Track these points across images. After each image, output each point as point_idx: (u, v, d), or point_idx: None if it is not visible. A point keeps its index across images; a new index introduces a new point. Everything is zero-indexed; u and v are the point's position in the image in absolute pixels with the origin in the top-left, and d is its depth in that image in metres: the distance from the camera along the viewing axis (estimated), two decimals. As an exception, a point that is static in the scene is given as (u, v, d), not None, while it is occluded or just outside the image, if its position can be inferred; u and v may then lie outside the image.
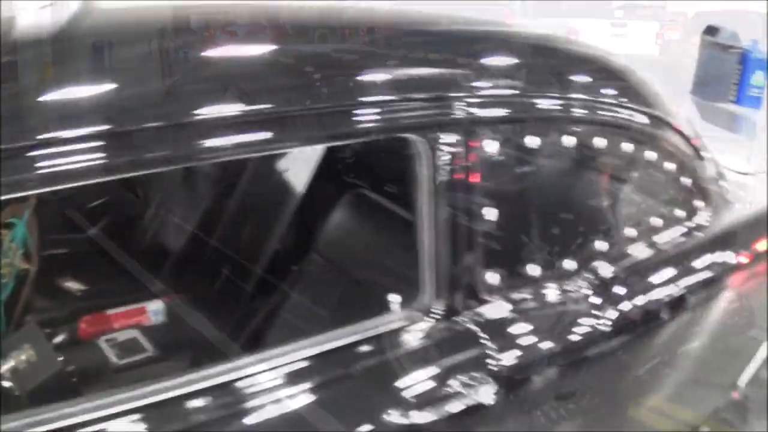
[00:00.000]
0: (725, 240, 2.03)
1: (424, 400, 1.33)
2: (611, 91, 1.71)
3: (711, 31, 7.90)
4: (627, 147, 1.73)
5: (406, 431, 1.29)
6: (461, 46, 1.51)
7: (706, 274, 1.93)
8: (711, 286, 1.95)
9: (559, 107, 1.57)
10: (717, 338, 2.01)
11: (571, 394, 1.64)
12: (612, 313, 1.66)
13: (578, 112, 1.61)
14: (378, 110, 1.30)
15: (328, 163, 2.12)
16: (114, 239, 2.41)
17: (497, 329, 1.46)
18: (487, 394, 1.37)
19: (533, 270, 1.55)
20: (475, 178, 1.43)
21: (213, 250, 2.20)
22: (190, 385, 1.18)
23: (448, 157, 1.37)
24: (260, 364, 1.24)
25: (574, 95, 1.60)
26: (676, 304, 1.84)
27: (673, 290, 1.84)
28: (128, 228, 2.50)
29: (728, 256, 2.01)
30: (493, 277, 1.47)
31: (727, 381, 2.27)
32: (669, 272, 1.84)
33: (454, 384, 1.36)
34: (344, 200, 1.96)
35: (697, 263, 1.93)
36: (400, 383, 1.33)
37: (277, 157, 2.15)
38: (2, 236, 2.24)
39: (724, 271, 1.98)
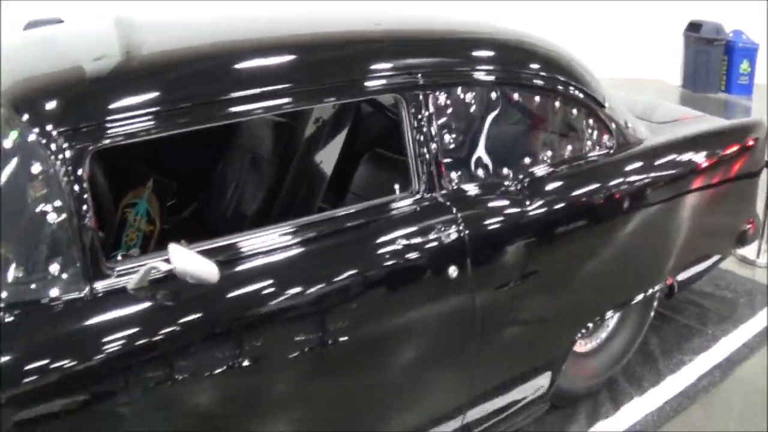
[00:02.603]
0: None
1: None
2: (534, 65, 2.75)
3: (694, 27, 8.70)
4: (544, 99, 2.76)
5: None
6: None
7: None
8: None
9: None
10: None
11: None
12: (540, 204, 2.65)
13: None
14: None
15: (351, 134, 3.17)
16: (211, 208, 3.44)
17: (463, 204, 2.47)
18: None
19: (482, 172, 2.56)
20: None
21: (282, 201, 3.22)
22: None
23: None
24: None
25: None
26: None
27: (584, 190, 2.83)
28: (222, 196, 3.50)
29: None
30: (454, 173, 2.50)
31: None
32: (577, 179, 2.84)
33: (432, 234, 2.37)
34: (366, 157, 3.04)
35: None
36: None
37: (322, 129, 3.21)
38: (127, 214, 3.28)
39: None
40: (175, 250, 1.87)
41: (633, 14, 8.72)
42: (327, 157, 3.12)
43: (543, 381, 2.90)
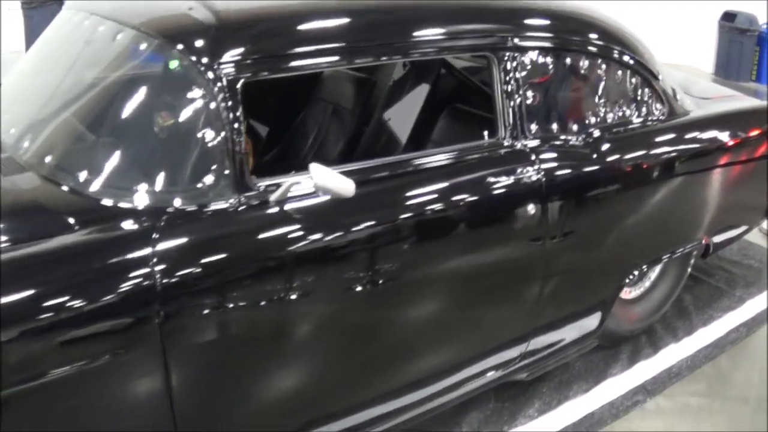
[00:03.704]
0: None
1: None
2: (601, 36, 3.08)
3: (728, 17, 8.97)
4: (607, 67, 3.09)
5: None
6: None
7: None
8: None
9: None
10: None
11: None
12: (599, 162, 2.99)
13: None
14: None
15: (433, 89, 3.51)
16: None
17: (540, 152, 2.81)
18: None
19: (555, 127, 2.90)
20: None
21: (363, 149, 3.56)
22: None
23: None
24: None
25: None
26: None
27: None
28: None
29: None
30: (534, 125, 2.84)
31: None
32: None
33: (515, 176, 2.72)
34: (446, 111, 3.38)
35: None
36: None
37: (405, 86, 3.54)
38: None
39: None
40: (315, 167, 2.21)
41: (670, 1, 8.97)
42: (408, 110, 3.46)
43: (594, 320, 3.26)
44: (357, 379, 2.59)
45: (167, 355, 2.11)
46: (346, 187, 2.21)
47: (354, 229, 2.39)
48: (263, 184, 2.29)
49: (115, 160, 2.30)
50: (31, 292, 1.95)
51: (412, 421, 2.78)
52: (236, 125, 2.24)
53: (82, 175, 2.25)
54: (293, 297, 2.29)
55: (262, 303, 2.24)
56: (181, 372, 2.15)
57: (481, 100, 3.38)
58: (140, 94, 2.41)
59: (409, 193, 2.55)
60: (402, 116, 3.46)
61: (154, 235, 2.10)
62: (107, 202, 2.18)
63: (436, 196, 2.59)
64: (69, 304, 1.97)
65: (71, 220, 2.13)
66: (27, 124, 2.53)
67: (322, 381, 2.50)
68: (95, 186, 2.22)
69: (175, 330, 2.10)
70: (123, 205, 2.17)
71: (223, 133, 2.22)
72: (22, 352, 1.92)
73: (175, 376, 2.14)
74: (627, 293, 3.61)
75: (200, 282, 2.13)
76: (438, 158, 2.66)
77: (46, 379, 1.95)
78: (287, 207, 2.28)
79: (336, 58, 2.47)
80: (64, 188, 2.25)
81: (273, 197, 2.27)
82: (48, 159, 2.35)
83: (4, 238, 2.08)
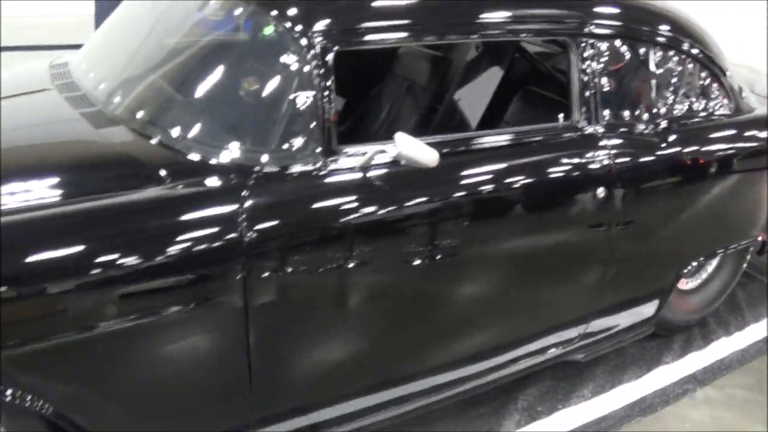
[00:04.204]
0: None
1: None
2: (675, 30, 3.11)
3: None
4: (679, 60, 3.12)
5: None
6: None
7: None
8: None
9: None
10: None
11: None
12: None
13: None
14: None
15: (507, 72, 3.56)
16: None
17: (612, 137, 2.86)
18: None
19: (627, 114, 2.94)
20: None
21: (436, 125, 3.61)
22: None
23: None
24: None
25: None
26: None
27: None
28: None
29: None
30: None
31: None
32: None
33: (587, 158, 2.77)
34: (520, 94, 3.44)
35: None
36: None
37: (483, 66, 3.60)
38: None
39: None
40: (401, 136, 2.27)
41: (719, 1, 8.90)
42: (481, 91, 3.52)
43: (651, 307, 3.30)
44: (425, 347, 2.66)
45: (248, 310, 2.19)
46: (430, 157, 2.28)
47: (434, 199, 2.47)
48: (348, 150, 2.35)
49: (206, 118, 2.39)
50: (122, 240, 2.05)
51: (473, 391, 2.85)
52: (327, 92, 2.31)
53: (174, 131, 2.33)
54: (370, 263, 2.37)
55: (341, 267, 2.31)
56: (260, 327, 2.23)
57: (551, 85, 3.43)
58: (233, 57, 2.50)
59: (482, 169, 2.61)
60: (475, 96, 3.51)
61: (243, 192, 2.18)
62: (196, 157, 2.27)
63: (507, 174, 2.65)
64: (159, 253, 2.07)
65: (162, 173, 2.22)
66: (117, 81, 2.62)
67: (390, 347, 2.58)
68: (185, 142, 2.31)
69: (258, 286, 2.18)
70: (212, 161, 2.25)
71: (314, 99, 2.29)
72: (112, 297, 2.02)
73: (253, 330, 2.22)
74: (684, 284, 3.64)
75: (285, 242, 2.22)
76: (511, 137, 2.71)
77: (132, 324, 2.05)
78: (371, 174, 2.35)
79: (420, 35, 2.55)
80: (154, 142, 2.34)
81: (358, 163, 2.34)
82: (140, 114, 2.43)
83: (99, 187, 2.18)
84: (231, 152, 2.26)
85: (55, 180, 2.24)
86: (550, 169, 2.75)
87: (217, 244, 2.13)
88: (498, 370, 2.91)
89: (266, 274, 2.19)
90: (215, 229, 2.14)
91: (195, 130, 2.35)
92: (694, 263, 3.43)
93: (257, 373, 2.27)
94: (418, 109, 3.66)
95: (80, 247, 2.00)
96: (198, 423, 2.30)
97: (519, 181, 2.66)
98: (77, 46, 3.06)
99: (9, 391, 1.96)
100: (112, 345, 2.07)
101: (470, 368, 2.81)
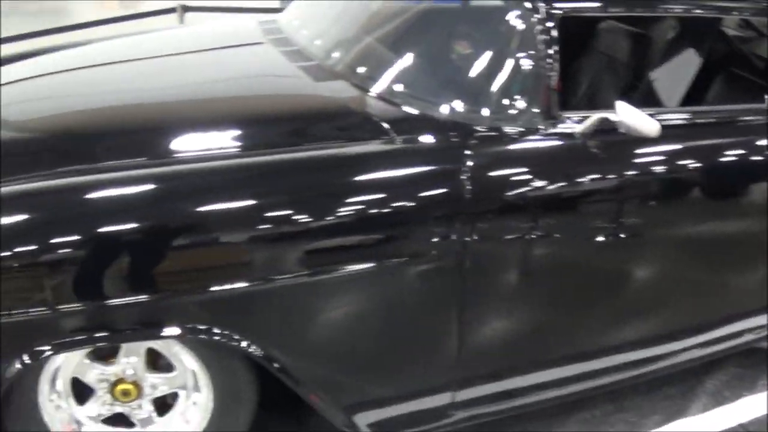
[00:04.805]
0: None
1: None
2: None
3: None
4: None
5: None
6: None
7: None
8: None
9: None
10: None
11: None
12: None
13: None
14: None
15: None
16: None
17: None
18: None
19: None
20: None
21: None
22: None
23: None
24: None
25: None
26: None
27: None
28: None
29: None
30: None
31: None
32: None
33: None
34: (722, 76, 3.33)
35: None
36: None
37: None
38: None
39: None
40: (622, 105, 2.23)
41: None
42: (683, 71, 3.41)
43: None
44: (619, 324, 2.63)
45: (463, 270, 2.20)
46: (652, 127, 2.23)
47: (650, 171, 2.43)
48: (569, 116, 2.33)
49: (427, 76, 2.42)
50: (348, 189, 2.11)
51: (662, 371, 2.79)
52: (550, 58, 2.28)
53: (397, 87, 2.37)
54: (582, 233, 2.35)
55: (553, 235, 2.30)
56: (473, 288, 2.25)
57: (749, 69, 3.29)
58: (456, 18, 2.51)
59: (689, 146, 2.55)
60: (676, 76, 3.41)
61: (465, 151, 2.19)
62: (416, 112, 2.30)
63: (711, 153, 2.59)
64: (382, 204, 2.11)
65: (385, 126, 2.27)
66: (334, 39, 2.69)
67: (588, 320, 2.56)
68: (407, 98, 2.34)
69: (474, 247, 2.19)
70: (434, 117, 2.27)
71: (538, 63, 2.27)
72: (334, 244, 2.09)
73: (467, 291, 2.24)
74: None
75: (503, 204, 2.21)
76: (711, 117, 2.65)
77: (345, 273, 2.11)
78: (590, 141, 2.32)
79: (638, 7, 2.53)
80: (376, 97, 2.38)
81: (579, 129, 2.31)
82: (361, 70, 2.48)
83: (323, 137, 2.26)
84: (451, 110, 2.28)
85: (285, 128, 2.32)
86: (749, 152, 2.64)
87: (438, 200, 2.15)
88: (687, 352, 2.84)
89: (483, 236, 2.20)
90: (437, 186, 2.16)
91: (416, 87, 2.38)
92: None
93: (466, 333, 2.29)
94: (617, 86, 3.58)
95: (311, 193, 2.08)
96: (402, 377, 2.34)
97: (719, 161, 2.60)
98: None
99: (217, 330, 2.05)
100: (323, 293, 2.14)
101: (660, 348, 2.75)
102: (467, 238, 2.16)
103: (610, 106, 2.27)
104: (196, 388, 2.28)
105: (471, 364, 2.36)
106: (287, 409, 2.60)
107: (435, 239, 2.15)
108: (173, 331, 2.05)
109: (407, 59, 2.49)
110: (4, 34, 4.31)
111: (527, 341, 2.44)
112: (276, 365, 2.14)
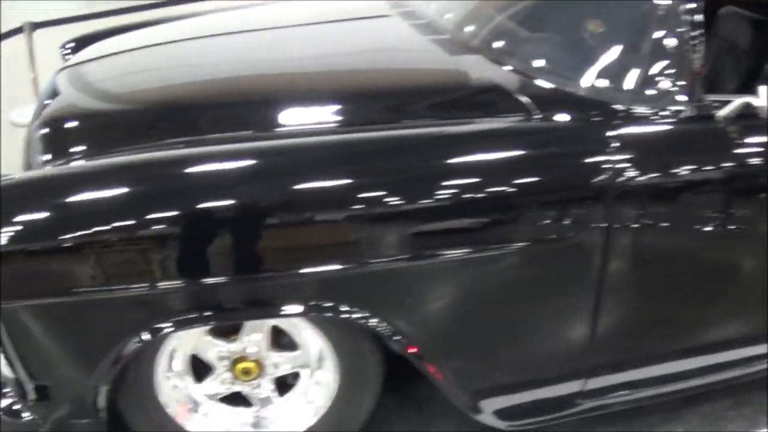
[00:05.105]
0: None
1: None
2: None
3: None
4: None
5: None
6: None
7: None
8: None
9: None
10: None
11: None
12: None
13: None
14: None
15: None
16: None
17: None
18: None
19: None
20: None
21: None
22: None
23: None
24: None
25: None
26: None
27: None
28: None
29: None
30: None
31: None
32: None
33: None
34: None
35: None
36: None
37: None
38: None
39: None
40: (764, 90, 2.14)
41: None
42: None
43: None
44: (749, 316, 2.52)
45: (606, 255, 2.12)
46: None
47: None
48: (712, 98, 2.24)
49: (569, 52, 2.34)
50: (483, 167, 2.04)
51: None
52: (695, 40, 2.19)
53: (536, 63, 2.30)
54: (726, 220, 2.24)
55: (696, 223, 2.20)
56: (613, 272, 2.16)
57: None
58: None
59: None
60: None
61: (608, 132, 2.11)
62: (558, 88, 2.22)
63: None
64: (521, 184, 2.04)
65: (524, 101, 2.19)
66: (467, 13, 2.63)
67: (713, 311, 2.46)
68: (548, 75, 2.27)
69: (619, 232, 2.10)
70: (576, 95, 2.19)
71: (683, 45, 2.18)
72: (466, 223, 2.01)
73: (607, 276, 2.15)
74: None
75: (647, 187, 2.12)
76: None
77: (481, 254, 2.03)
78: (731, 126, 2.23)
79: None
80: (516, 72, 2.31)
81: (721, 113, 2.22)
82: (498, 44, 2.42)
83: (463, 113, 2.19)
84: (592, 87, 2.19)
85: (424, 102, 2.26)
86: None
87: (580, 182, 2.07)
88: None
89: (625, 221, 2.10)
90: (579, 167, 2.08)
91: (556, 62, 2.30)
92: None
93: (601, 319, 2.21)
94: (738, 74, 3.49)
95: (450, 169, 2.02)
96: (535, 363, 2.27)
97: None
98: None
99: (344, 307, 2.00)
100: (457, 274, 2.07)
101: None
102: (609, 223, 2.08)
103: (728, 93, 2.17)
104: (320, 367, 2.23)
105: (603, 352, 2.28)
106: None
107: (575, 223, 2.07)
108: (295, 309, 2.00)
109: (547, 35, 2.43)
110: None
111: (659, 331, 2.35)
112: (403, 341, 2.08)
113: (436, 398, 2.38)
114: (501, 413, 2.26)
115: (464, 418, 2.29)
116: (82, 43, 3.06)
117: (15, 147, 4.69)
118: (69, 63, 2.80)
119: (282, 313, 2.02)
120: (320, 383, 2.26)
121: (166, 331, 1.98)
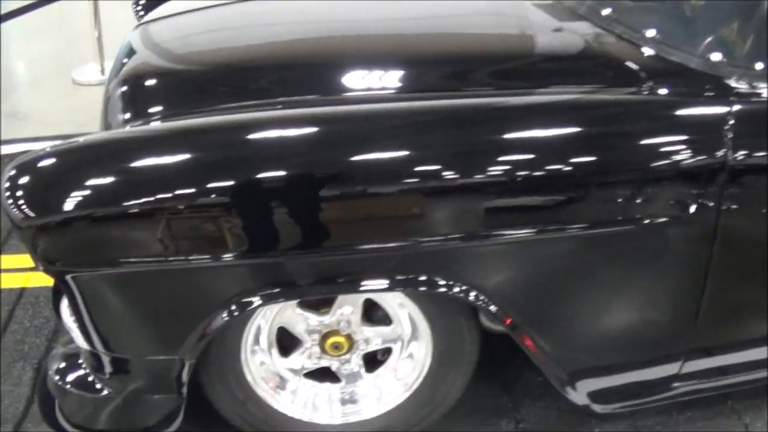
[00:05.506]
0: None
1: None
2: None
3: None
4: None
5: None
6: None
7: None
8: None
9: None
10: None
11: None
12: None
13: None
14: None
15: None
16: None
17: None
18: None
19: None
20: None
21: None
22: None
23: None
24: None
25: None
26: None
27: None
28: None
29: None
30: None
31: None
32: None
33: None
34: None
35: None
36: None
37: None
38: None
39: None
40: None
41: None
42: None
43: None
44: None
45: (717, 234, 2.04)
46: None
47: None
48: None
49: (683, 22, 2.26)
50: (604, 140, 1.98)
51: None
52: None
53: (648, 32, 2.21)
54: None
55: None
56: (723, 253, 2.08)
57: None
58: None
59: None
60: None
61: (725, 108, 2.01)
62: (671, 61, 2.13)
63: None
64: (630, 160, 1.97)
65: (641, 73, 2.12)
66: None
67: None
68: (659, 45, 2.18)
69: (731, 212, 2.02)
70: (687, 66, 2.10)
71: None
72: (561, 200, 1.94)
73: (716, 255, 2.07)
74: None
75: (763, 169, 2.04)
76: None
77: (582, 232, 1.97)
78: None
79: None
80: (627, 42, 2.23)
81: None
82: (606, 12, 2.34)
83: (570, 79, 2.12)
84: (705, 61, 2.09)
85: (532, 69, 2.23)
86: None
87: (695, 161, 1.97)
88: None
89: (740, 202, 2.01)
90: (694, 144, 1.98)
91: (669, 33, 2.20)
92: None
93: (707, 302, 2.13)
94: None
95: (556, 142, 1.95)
96: (636, 344, 2.20)
97: None
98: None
99: (442, 282, 1.93)
100: (561, 250, 2.01)
101: None
102: (723, 203, 2.00)
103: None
104: (414, 341, 2.18)
105: (704, 334, 2.21)
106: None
107: (688, 201, 1.99)
108: (385, 283, 1.94)
109: (659, 2, 2.35)
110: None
111: (761, 315, 2.28)
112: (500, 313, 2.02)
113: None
114: (595, 395, 2.20)
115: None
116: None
117: (76, 104, 4.63)
118: (145, 20, 2.72)
119: (374, 288, 1.96)
120: (412, 356, 2.19)
121: (254, 305, 1.92)
